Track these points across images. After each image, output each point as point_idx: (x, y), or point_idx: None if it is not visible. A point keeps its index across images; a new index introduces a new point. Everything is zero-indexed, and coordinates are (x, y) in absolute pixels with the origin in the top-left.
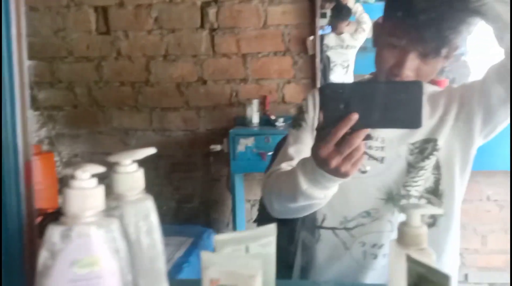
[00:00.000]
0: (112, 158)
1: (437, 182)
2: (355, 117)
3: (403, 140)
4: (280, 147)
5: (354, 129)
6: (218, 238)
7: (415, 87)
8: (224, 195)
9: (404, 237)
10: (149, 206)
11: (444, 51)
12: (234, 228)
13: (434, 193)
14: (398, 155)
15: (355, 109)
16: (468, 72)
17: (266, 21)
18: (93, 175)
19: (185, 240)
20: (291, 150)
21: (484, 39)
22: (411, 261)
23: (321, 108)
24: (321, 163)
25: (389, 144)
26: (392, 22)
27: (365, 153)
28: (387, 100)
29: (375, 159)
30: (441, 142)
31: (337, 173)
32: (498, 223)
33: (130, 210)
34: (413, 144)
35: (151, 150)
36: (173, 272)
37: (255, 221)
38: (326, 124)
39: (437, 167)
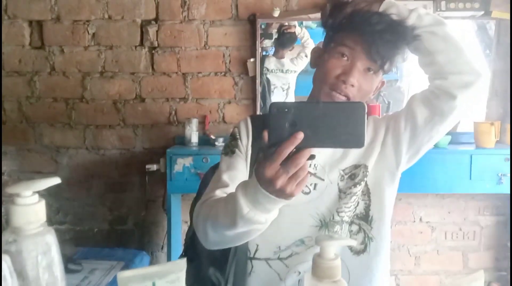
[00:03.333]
0: (11, 189)
1: (367, 208)
2: (300, 136)
3: (334, 166)
4: (209, 177)
5: (299, 149)
6: (122, 275)
7: (358, 107)
8: (159, 216)
9: (318, 269)
10: (50, 241)
11: (386, 67)
12: (169, 251)
13: (365, 219)
14: (330, 182)
15: (300, 128)
16: (402, 97)
17: (207, 42)
18: None
19: (116, 264)
20: (225, 177)
21: (417, 66)
22: None
23: (266, 127)
24: (266, 183)
25: (321, 170)
26: (344, 32)
27: (309, 173)
28: (331, 120)
29: (319, 178)
30: (370, 168)
31: (282, 193)
32: (431, 244)
33: (28, 245)
34: (343, 170)
35: (54, 180)
36: None
37: (181, 256)
38: (271, 143)
39: (366, 193)
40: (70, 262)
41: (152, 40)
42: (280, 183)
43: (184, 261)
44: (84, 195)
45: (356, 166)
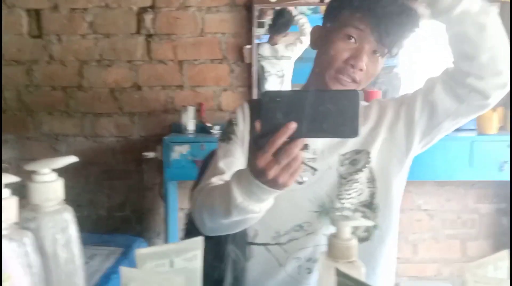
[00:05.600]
0: (30, 166)
1: (372, 195)
2: (293, 126)
3: (333, 151)
4: (209, 162)
5: (292, 139)
6: (140, 252)
7: (352, 95)
8: (157, 203)
9: (333, 249)
10: (68, 218)
11: (394, 51)
12: (166, 237)
13: (369, 206)
14: (329, 167)
15: (293, 118)
16: (399, 84)
17: (203, 29)
18: (6, 185)
19: (115, 250)
20: (221, 164)
21: (414, 52)
22: (340, 274)
23: (258, 116)
24: (258, 173)
25: (320, 155)
26: (352, 11)
27: (303, 163)
28: (324, 109)
29: (312, 169)
30: (374, 154)
31: (275, 184)
32: (429, 232)
33: (47, 222)
34: (343, 155)
35: (71, 159)
36: (102, 283)
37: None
38: (263, 133)
39: (372, 180)
40: None
41: (149, 27)
42: (272, 173)
43: (201, 239)
44: (83, 182)
45: (357, 152)
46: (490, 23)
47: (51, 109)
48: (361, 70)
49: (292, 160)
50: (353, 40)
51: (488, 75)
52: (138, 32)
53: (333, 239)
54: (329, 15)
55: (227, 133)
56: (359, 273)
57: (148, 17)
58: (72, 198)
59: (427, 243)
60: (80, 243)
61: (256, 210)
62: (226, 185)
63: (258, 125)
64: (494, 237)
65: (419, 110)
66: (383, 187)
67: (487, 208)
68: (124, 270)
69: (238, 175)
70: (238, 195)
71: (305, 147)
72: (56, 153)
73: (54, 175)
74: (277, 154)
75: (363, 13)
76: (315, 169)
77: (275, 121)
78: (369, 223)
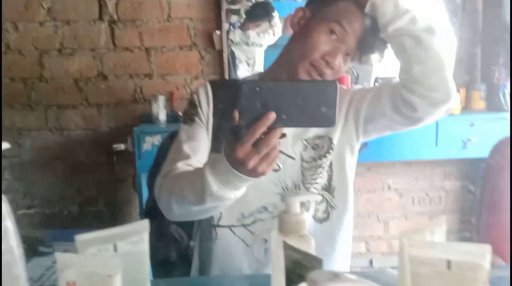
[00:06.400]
0: None
1: (329, 178)
2: (272, 116)
3: (296, 136)
4: (167, 145)
5: (270, 128)
6: (80, 238)
7: (331, 86)
8: (130, 196)
9: (284, 224)
10: (3, 210)
11: (363, 59)
12: None
13: (327, 189)
14: (293, 151)
15: (272, 108)
16: (371, 69)
17: (170, 14)
18: None
19: None
20: (186, 148)
21: None
22: (286, 247)
23: (236, 106)
24: (238, 164)
25: (284, 139)
26: (342, 8)
27: (281, 152)
28: (303, 99)
29: (289, 156)
30: (335, 141)
31: (254, 173)
32: (399, 210)
33: None
34: (306, 140)
35: (4, 145)
36: None
37: None
38: (242, 123)
39: (329, 164)
40: (41, 245)
41: (112, 13)
42: (252, 163)
43: (146, 222)
44: (51, 177)
45: (319, 137)
46: (428, 39)
47: (11, 102)
48: (332, 68)
49: (271, 149)
50: (334, 36)
51: (418, 88)
52: (100, 18)
53: (283, 215)
54: (316, 2)
55: (190, 115)
56: (308, 246)
57: (110, 2)
58: (41, 195)
59: (398, 221)
60: (17, 234)
61: (231, 197)
62: (199, 174)
63: (236, 115)
64: (460, 212)
65: (368, 100)
66: (338, 170)
67: (453, 185)
68: (58, 256)
69: (212, 164)
70: (213, 183)
71: (283, 136)
72: (20, 148)
73: None
74: (257, 144)
75: (353, 14)
76: (292, 158)
77: (254, 112)
78: (317, 197)
